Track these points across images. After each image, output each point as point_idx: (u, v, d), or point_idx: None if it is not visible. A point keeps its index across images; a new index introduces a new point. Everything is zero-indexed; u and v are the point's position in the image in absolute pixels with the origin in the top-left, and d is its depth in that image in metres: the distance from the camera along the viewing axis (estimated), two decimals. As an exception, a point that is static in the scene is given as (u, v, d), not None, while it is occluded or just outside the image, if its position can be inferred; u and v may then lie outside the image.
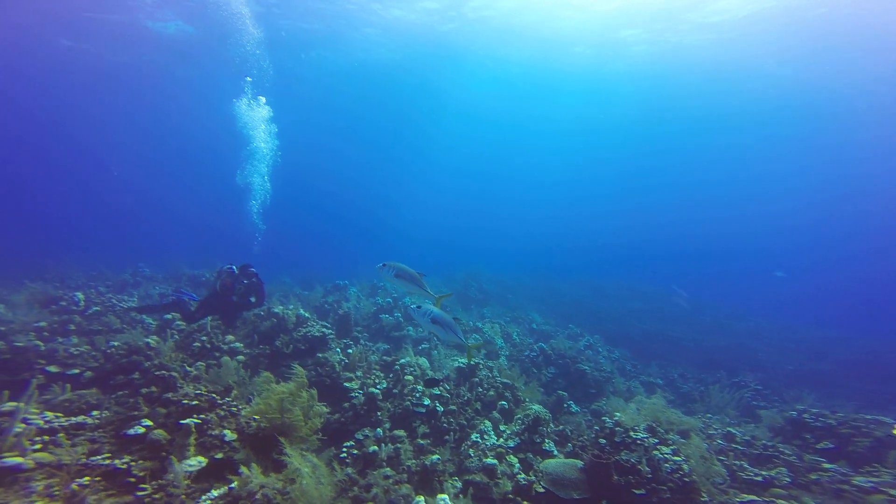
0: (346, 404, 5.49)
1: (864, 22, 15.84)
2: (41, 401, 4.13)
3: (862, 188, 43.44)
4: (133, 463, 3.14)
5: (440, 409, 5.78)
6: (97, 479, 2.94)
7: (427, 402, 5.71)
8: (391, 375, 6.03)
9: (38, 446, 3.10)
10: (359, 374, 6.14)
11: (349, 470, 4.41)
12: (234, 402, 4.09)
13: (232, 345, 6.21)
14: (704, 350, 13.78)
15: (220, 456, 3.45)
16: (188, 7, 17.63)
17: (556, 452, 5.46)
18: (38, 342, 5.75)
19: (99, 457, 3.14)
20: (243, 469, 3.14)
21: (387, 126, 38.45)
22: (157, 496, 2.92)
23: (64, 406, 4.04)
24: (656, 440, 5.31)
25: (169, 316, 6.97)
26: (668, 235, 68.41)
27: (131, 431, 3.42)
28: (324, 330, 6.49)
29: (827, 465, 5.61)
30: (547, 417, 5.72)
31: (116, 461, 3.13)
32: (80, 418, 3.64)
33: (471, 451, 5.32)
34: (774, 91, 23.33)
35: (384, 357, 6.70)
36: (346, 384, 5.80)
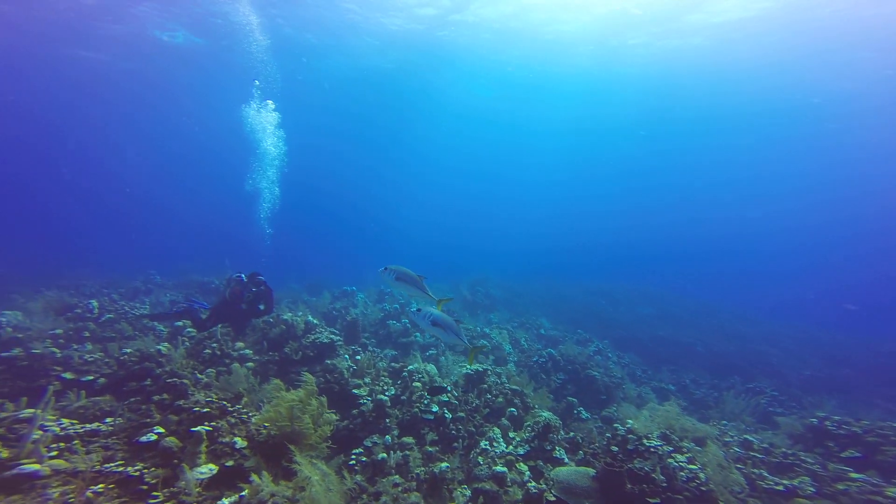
0: (355, 411, 5.49)
1: (864, 24, 15.77)
2: (57, 407, 4.20)
3: (864, 189, 42.75)
4: (146, 470, 3.17)
5: (448, 415, 5.74)
6: (111, 486, 2.97)
7: (435, 408, 5.68)
8: (399, 382, 6.03)
9: (54, 453, 3.14)
10: (367, 380, 6.14)
11: (358, 477, 4.40)
12: (245, 410, 4.12)
13: (241, 352, 6.27)
14: (716, 355, 13.53)
15: (230, 463, 3.46)
16: (196, 18, 18.10)
17: (566, 460, 5.38)
18: (55, 349, 5.86)
19: (112, 464, 3.18)
20: (254, 477, 3.15)
21: (389, 129, 38.85)
22: (169, 504, 2.94)
23: (79, 413, 4.10)
24: (671, 448, 5.21)
25: (180, 323, 7.06)
26: (669, 236, 67.99)
27: (144, 439, 3.46)
28: (332, 336, 6.52)
29: (854, 475, 5.37)
30: (557, 424, 5.65)
31: (129, 468, 3.16)
32: (95, 425, 3.68)
33: (480, 459, 5.27)
34: (776, 93, 23.26)
35: (392, 363, 6.69)
36: (355, 391, 5.80)
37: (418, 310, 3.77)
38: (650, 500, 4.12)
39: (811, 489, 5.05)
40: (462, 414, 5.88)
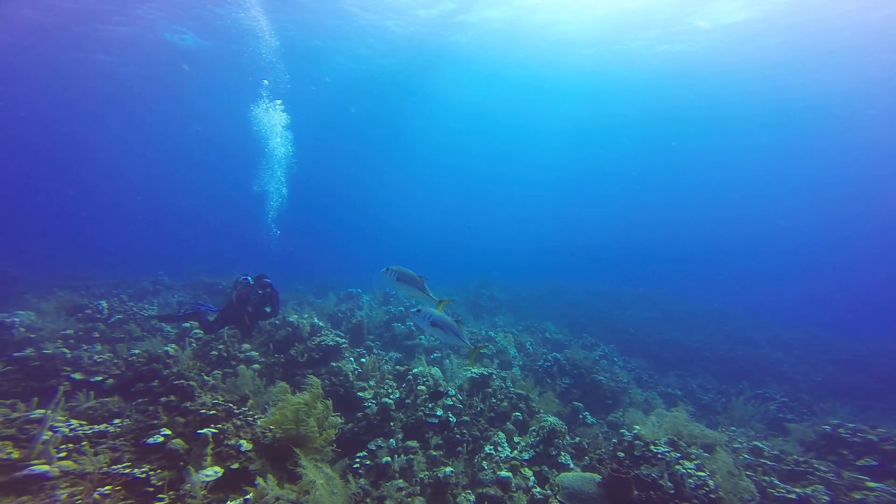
0: (360, 414, 5.50)
1: (861, 28, 15.71)
2: (66, 408, 4.25)
3: (866, 190, 42.18)
4: (152, 472, 3.19)
5: (453, 419, 5.73)
6: (118, 488, 3.00)
7: (440, 412, 5.67)
8: (404, 385, 6.02)
9: (63, 454, 3.18)
10: (372, 383, 6.15)
11: (362, 481, 4.40)
12: (251, 412, 4.14)
13: (248, 353, 6.31)
14: (724, 360, 13.36)
15: (235, 466, 3.48)
16: (204, 22, 18.39)
17: (572, 466, 5.34)
18: (65, 349, 5.94)
19: (120, 465, 3.21)
20: (259, 480, 3.17)
21: (392, 128, 39.01)
22: (175, 506, 2.96)
23: (87, 414, 4.15)
24: (678, 454, 5.14)
25: (187, 324, 7.13)
26: (668, 236, 67.49)
27: (150, 440, 3.49)
28: (338, 339, 6.54)
29: (871, 484, 5.20)
30: (563, 429, 5.61)
31: (136, 470, 3.19)
32: (103, 426, 3.73)
33: (484, 464, 5.24)
34: (779, 94, 23.12)
35: (397, 366, 6.70)
36: (360, 394, 5.81)
37: (418, 310, 3.77)
38: (657, 508, 4.07)
39: (825, 498, 4.91)
40: (466, 418, 5.86)
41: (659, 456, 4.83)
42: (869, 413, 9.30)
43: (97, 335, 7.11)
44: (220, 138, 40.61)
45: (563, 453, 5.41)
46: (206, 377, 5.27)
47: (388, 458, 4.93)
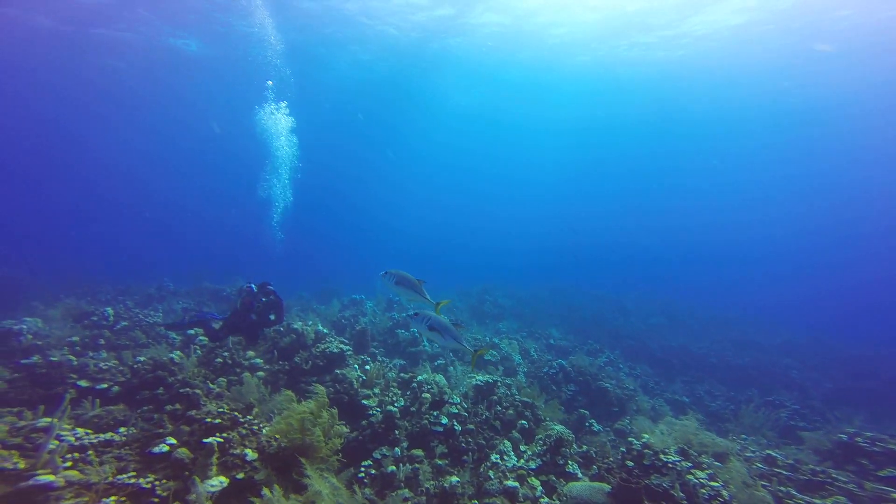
0: (364, 422, 5.46)
1: (853, 33, 15.81)
2: (72, 416, 4.25)
3: (867, 192, 41.94)
4: (157, 482, 3.17)
5: (458, 428, 5.67)
6: (123, 498, 2.98)
7: (445, 420, 5.62)
8: (409, 393, 5.98)
9: (68, 464, 3.17)
10: (376, 391, 6.11)
11: (367, 491, 4.35)
12: (256, 421, 4.12)
13: (252, 360, 6.30)
14: (731, 366, 13.20)
15: (241, 476, 3.45)
16: (209, 29, 18.71)
17: (580, 475, 5.26)
18: (71, 356, 5.96)
19: (125, 475, 3.19)
20: (265, 491, 3.14)
21: (393, 130, 39.24)
22: (180, 516, 2.93)
23: (93, 422, 4.15)
24: (689, 463, 5.05)
25: (192, 332, 7.14)
26: (672, 240, 67.20)
27: (156, 450, 3.47)
28: (342, 346, 6.52)
29: None
30: (570, 438, 5.54)
31: (141, 480, 3.17)
32: (109, 435, 3.72)
33: (491, 473, 5.18)
34: (778, 97, 23.23)
35: (402, 374, 6.66)
36: (364, 401, 5.78)
37: (415, 314, 3.75)
38: (668, 520, 3.99)
39: (849, 510, 4.80)
40: (472, 426, 5.80)
41: (669, 465, 4.75)
42: (886, 421, 9.11)
43: (103, 342, 7.14)
44: (225, 141, 41.06)
45: (570, 462, 5.34)
46: (211, 385, 5.26)
47: (394, 468, 4.88)
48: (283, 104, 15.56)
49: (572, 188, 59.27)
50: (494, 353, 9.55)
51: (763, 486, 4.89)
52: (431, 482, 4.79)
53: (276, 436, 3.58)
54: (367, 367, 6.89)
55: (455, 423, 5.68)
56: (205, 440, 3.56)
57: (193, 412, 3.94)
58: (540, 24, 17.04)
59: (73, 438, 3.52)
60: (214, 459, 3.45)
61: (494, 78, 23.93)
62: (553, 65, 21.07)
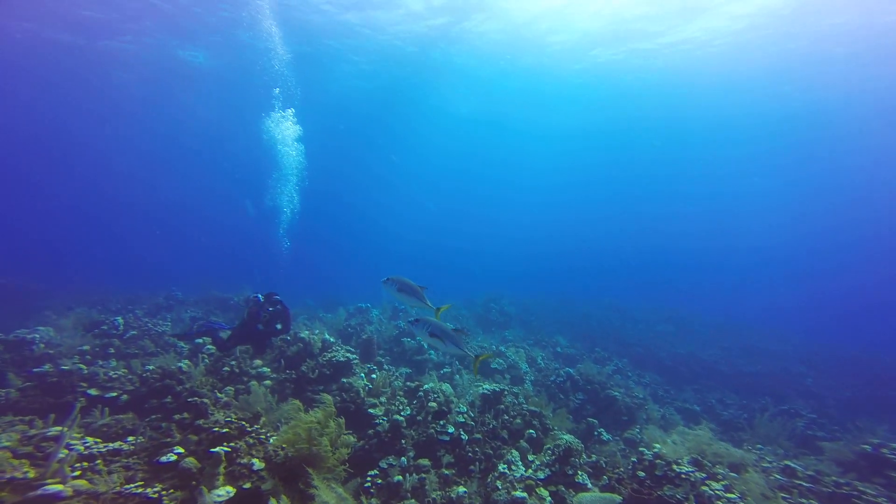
0: (371, 431, 5.43)
1: (853, 37, 15.87)
2: (82, 424, 4.29)
3: (869, 194, 41.43)
4: (164, 492, 3.18)
5: (465, 437, 5.62)
6: (131, 508, 2.98)
7: (451, 430, 5.56)
8: (415, 402, 5.95)
9: (77, 473, 3.19)
10: (383, 399, 6.08)
11: (374, 501, 4.31)
12: (263, 430, 4.12)
13: (259, 369, 6.32)
14: (743, 374, 12.95)
15: (247, 486, 3.44)
16: (216, 41, 19.19)
17: (590, 485, 5.16)
18: (82, 365, 6.03)
19: (132, 485, 3.20)
20: (272, 501, 3.12)
21: (396, 136, 39.53)
22: (187, 527, 2.93)
23: (102, 431, 4.18)
24: (704, 474, 4.92)
25: (200, 340, 7.18)
26: (679, 247, 66.57)
27: (164, 459, 3.48)
28: (348, 355, 6.52)
29: None
30: (579, 448, 5.45)
31: (149, 490, 3.17)
32: (117, 444, 3.74)
33: (498, 483, 5.10)
34: (782, 102, 23.29)
35: (408, 382, 6.63)
36: (371, 410, 5.75)
37: (416, 320, 3.74)
38: (681, 533, 3.89)
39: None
40: (479, 436, 5.74)
41: (682, 476, 4.64)
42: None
43: (113, 351, 7.21)
44: (234, 148, 41.75)
45: (580, 472, 5.24)
46: (219, 394, 5.28)
47: (400, 477, 4.83)
48: (290, 111, 15.75)
49: (577, 194, 59.20)
50: (501, 361, 9.48)
51: (783, 499, 4.73)
52: (438, 492, 4.73)
53: (284, 445, 3.57)
54: (374, 375, 6.87)
55: (462, 433, 5.62)
56: (212, 449, 3.56)
57: (201, 421, 3.95)
58: (540, 30, 17.24)
59: (82, 447, 3.55)
60: (222, 469, 3.45)
61: (496, 84, 24.15)
62: (554, 69, 21.22)
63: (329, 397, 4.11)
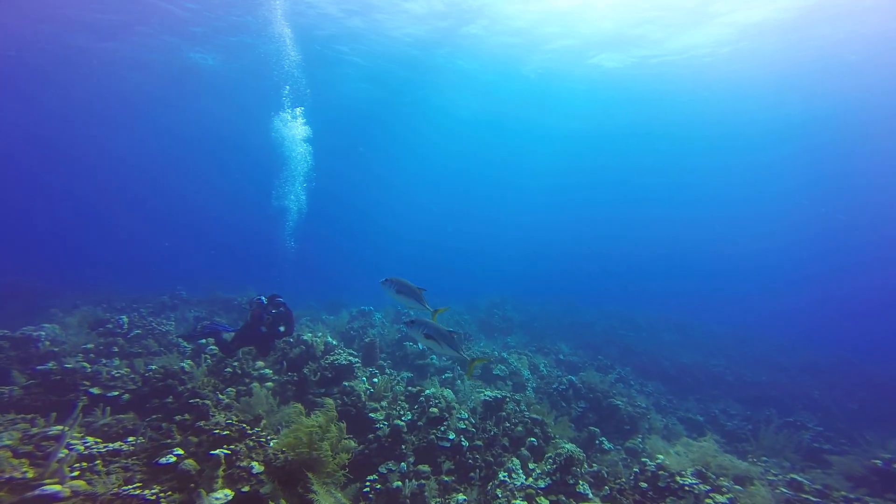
0: (371, 435, 5.40)
1: (858, 45, 15.79)
2: (83, 423, 4.30)
3: (872, 201, 41.04)
4: (162, 495, 3.17)
5: (465, 443, 5.57)
6: (129, 509, 2.98)
7: (452, 436, 5.53)
8: (416, 407, 5.91)
9: (76, 473, 3.19)
10: (384, 404, 6.06)
11: (373, 508, 4.28)
12: (263, 433, 4.10)
13: (261, 371, 6.32)
14: (748, 385, 12.77)
15: (246, 489, 3.42)
16: (227, 44, 19.44)
17: (591, 495, 5.10)
18: (85, 364, 6.06)
19: (130, 486, 3.20)
20: (270, 506, 3.10)
21: (398, 137, 39.69)
22: (184, 530, 2.91)
23: (103, 431, 4.18)
24: (708, 487, 4.85)
25: (203, 341, 7.20)
26: (680, 254, 66.20)
27: (163, 460, 3.48)
28: (350, 358, 6.51)
29: None
30: (581, 457, 5.39)
31: (147, 491, 3.16)
32: (117, 444, 3.74)
33: (498, 492, 5.05)
34: (786, 109, 23.23)
35: (409, 387, 6.60)
36: (371, 414, 5.73)
37: (412, 321, 3.71)
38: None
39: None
40: (479, 442, 5.69)
41: (686, 488, 4.57)
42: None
43: (116, 349, 7.24)
44: (241, 150, 42.09)
45: (581, 482, 5.18)
46: (220, 395, 5.28)
47: (399, 483, 4.80)
48: (299, 110, 15.82)
49: (581, 197, 59.12)
50: (503, 367, 9.42)
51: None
52: (437, 499, 4.69)
53: (284, 449, 3.56)
54: (375, 379, 6.85)
55: (462, 439, 5.58)
56: (212, 452, 3.55)
57: (202, 423, 3.95)
58: (544, 34, 17.31)
59: (82, 447, 3.55)
60: (221, 472, 3.44)
61: (499, 86, 24.22)
62: (558, 72, 21.24)
63: (331, 401, 4.10)
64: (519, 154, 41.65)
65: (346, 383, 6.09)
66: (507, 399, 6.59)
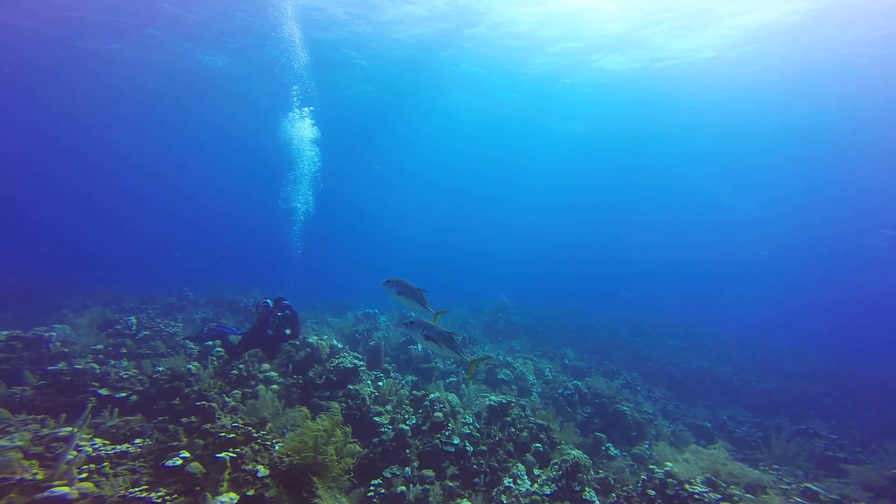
0: (376, 439, 5.40)
1: (865, 49, 15.62)
2: (92, 424, 4.34)
3: (879, 205, 40.41)
4: (168, 498, 3.19)
5: (470, 449, 5.54)
6: (136, 512, 2.99)
7: (457, 441, 5.50)
8: (421, 411, 5.90)
9: (84, 475, 3.22)
10: (389, 408, 6.05)
11: (377, 513, 4.26)
12: (269, 436, 4.12)
13: (267, 373, 6.34)
14: (757, 392, 12.59)
15: (251, 493, 3.43)
16: (236, 46, 19.70)
17: (597, 503, 5.04)
18: (94, 365, 6.13)
19: (137, 489, 3.22)
20: (275, 511, 3.11)
21: (401, 138, 39.80)
22: (190, 533, 2.92)
23: (111, 432, 4.22)
24: (719, 495, 4.76)
25: (210, 343, 7.26)
26: (687, 259, 65.56)
27: (169, 463, 3.50)
28: (355, 362, 6.51)
29: None
30: (587, 464, 5.33)
31: (153, 494, 3.18)
32: (124, 446, 3.77)
33: (503, 498, 5.02)
34: (791, 113, 23.03)
35: (414, 391, 6.59)
36: (376, 418, 5.72)
37: (411, 322, 3.70)
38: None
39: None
40: (484, 448, 5.66)
41: (696, 496, 4.50)
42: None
43: (125, 350, 7.32)
44: (249, 151, 42.49)
45: (587, 489, 5.12)
46: (226, 398, 5.31)
47: (403, 488, 4.78)
48: (308, 110, 15.90)
49: (586, 199, 58.87)
50: (508, 372, 9.37)
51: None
52: (442, 506, 4.67)
53: (289, 453, 3.56)
54: (380, 383, 6.85)
55: (467, 444, 5.55)
56: (218, 455, 3.57)
57: (208, 426, 3.97)
58: (547, 37, 17.30)
59: (90, 449, 3.58)
60: (226, 475, 3.45)
61: (502, 88, 24.25)
62: (562, 73, 21.19)
63: (336, 406, 4.10)
64: (523, 156, 41.64)
65: (351, 387, 6.09)
66: (513, 404, 6.55)
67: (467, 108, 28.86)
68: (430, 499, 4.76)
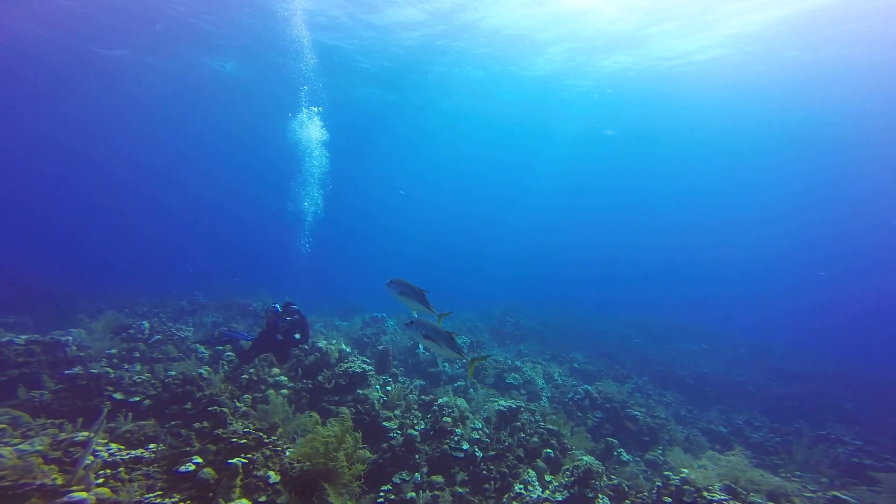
0: (385, 445, 5.39)
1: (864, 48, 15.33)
2: (107, 429, 4.41)
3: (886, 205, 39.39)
4: (181, 503, 3.21)
5: (479, 454, 5.51)
6: (150, 517, 3.03)
7: (466, 446, 5.47)
8: (429, 416, 5.88)
9: (100, 480, 3.27)
10: (397, 412, 6.04)
11: (387, 519, 4.25)
12: (280, 441, 4.13)
13: (277, 378, 6.39)
14: (773, 396, 12.31)
15: (263, 499, 3.45)
16: (245, 50, 20.02)
17: (610, 512, 4.96)
18: (109, 369, 6.24)
19: (152, 494, 3.25)
20: (286, 518, 3.11)
21: (405, 139, 39.90)
22: (203, 539, 2.94)
23: (125, 437, 4.28)
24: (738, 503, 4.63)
25: (221, 347, 7.33)
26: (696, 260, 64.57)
27: (182, 469, 3.53)
28: (364, 366, 6.53)
29: None
30: (600, 470, 5.26)
31: (167, 500, 3.22)
32: (139, 451, 3.82)
33: (514, 505, 4.97)
34: (792, 114, 22.77)
35: (422, 396, 6.58)
36: (385, 423, 5.72)
37: (411, 322, 3.69)
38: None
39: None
40: (493, 453, 5.62)
41: (712, 505, 4.40)
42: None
43: (138, 355, 7.43)
44: (258, 153, 43.01)
45: (601, 496, 5.05)
46: (237, 403, 5.35)
47: (413, 494, 4.77)
48: (317, 110, 16.01)
49: (591, 200, 58.45)
50: (517, 376, 9.31)
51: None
52: (452, 512, 4.64)
53: (300, 459, 3.57)
54: (389, 387, 6.85)
55: (476, 449, 5.52)
56: (230, 461, 3.59)
57: (220, 431, 4.00)
58: (546, 39, 17.24)
59: (106, 454, 3.64)
60: (238, 481, 3.47)
61: (505, 89, 24.22)
62: (566, 72, 21.06)
63: (347, 411, 4.11)
64: (527, 156, 41.53)
65: (360, 391, 6.10)
66: (522, 409, 6.50)
67: (469, 109, 28.89)
68: (439, 505, 4.74)
